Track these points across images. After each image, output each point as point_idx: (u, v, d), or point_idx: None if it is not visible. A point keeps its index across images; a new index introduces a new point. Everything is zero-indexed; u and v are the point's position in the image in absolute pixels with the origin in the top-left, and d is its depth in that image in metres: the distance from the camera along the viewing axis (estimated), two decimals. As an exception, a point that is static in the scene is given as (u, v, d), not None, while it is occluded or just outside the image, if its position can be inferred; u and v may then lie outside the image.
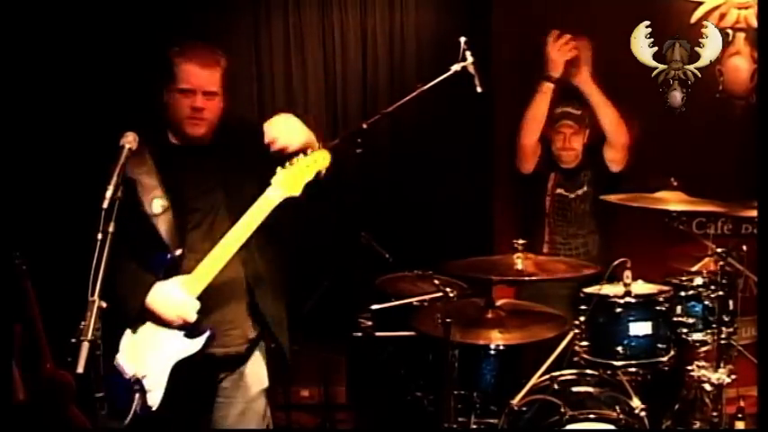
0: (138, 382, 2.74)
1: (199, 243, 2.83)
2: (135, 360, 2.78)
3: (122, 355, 2.78)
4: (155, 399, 2.74)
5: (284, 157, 2.81)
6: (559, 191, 4.13)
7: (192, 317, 2.74)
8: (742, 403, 3.54)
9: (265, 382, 3.03)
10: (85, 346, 2.35)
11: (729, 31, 4.45)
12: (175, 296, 2.74)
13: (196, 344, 2.77)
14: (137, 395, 2.73)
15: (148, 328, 2.81)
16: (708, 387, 3.38)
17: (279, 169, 2.75)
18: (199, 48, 2.89)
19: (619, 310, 3.27)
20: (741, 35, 4.45)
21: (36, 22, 4.25)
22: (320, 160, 2.78)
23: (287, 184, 2.74)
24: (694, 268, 3.62)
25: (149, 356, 2.77)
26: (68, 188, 4.08)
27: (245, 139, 2.91)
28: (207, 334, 2.77)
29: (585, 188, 4.09)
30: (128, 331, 2.82)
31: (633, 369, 3.27)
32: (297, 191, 2.75)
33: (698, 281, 3.47)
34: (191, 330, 2.77)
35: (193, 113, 2.82)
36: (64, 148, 4.28)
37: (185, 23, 4.49)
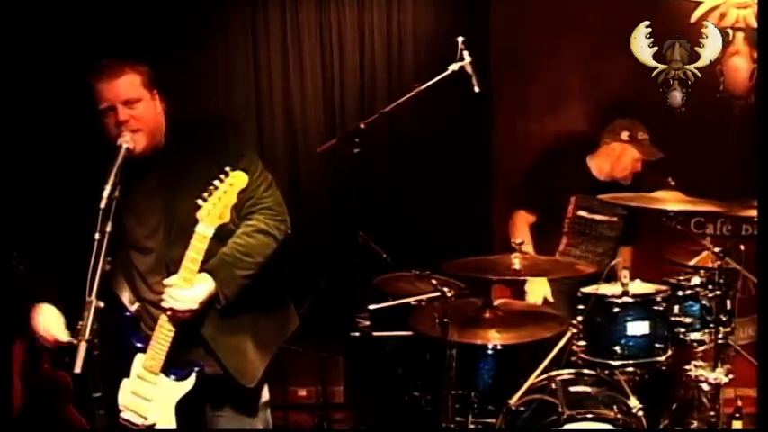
0: (150, 429, 2.73)
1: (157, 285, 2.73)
2: (139, 410, 2.75)
3: (126, 412, 2.76)
4: None
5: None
6: (582, 213, 4.06)
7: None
8: (739, 403, 3.53)
9: (262, 397, 3.00)
10: (83, 346, 2.37)
11: (729, 31, 4.45)
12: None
13: (188, 384, 2.75)
14: None
15: (137, 381, 2.78)
16: (705, 387, 3.38)
17: (200, 203, 2.64)
18: (106, 62, 2.74)
19: (616, 309, 3.28)
20: (740, 35, 4.45)
21: (36, 21, 4.24)
22: (237, 182, 2.65)
23: (212, 216, 2.64)
24: (692, 262, 3.62)
25: (149, 406, 2.74)
26: (67, 188, 4.07)
27: (198, 145, 2.78)
28: (195, 371, 2.76)
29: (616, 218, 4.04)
30: (123, 382, 2.78)
31: (631, 369, 3.28)
32: (225, 218, 2.66)
33: (695, 280, 3.48)
34: (178, 373, 2.75)
35: (122, 128, 2.68)
36: (62, 148, 4.26)
37: (184, 23, 4.50)
